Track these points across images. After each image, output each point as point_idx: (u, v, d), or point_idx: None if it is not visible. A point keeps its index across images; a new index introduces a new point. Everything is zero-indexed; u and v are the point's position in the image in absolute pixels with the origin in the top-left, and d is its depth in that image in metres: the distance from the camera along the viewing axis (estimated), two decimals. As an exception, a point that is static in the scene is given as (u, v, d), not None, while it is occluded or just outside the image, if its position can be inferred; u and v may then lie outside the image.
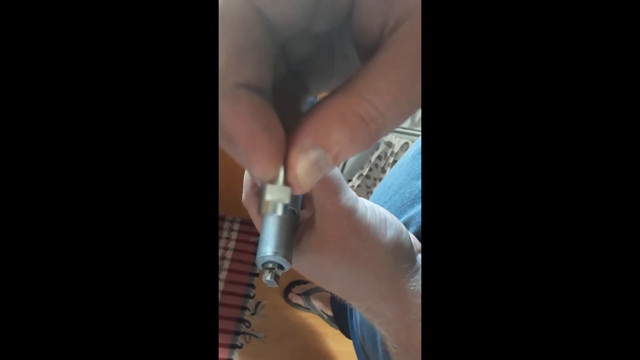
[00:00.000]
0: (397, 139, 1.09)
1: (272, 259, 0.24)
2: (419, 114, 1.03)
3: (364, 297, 0.26)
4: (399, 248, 0.25)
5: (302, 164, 0.13)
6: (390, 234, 0.25)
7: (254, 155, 0.13)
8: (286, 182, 0.14)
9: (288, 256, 0.24)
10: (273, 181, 0.14)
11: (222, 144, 0.15)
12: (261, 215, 0.14)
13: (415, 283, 0.25)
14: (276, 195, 0.14)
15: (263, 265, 0.24)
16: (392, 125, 0.13)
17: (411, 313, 0.24)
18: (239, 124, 0.13)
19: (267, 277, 0.24)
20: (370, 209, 0.25)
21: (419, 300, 0.24)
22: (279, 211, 0.14)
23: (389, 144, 1.10)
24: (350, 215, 0.23)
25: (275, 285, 0.25)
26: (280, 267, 0.24)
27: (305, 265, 0.26)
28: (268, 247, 0.24)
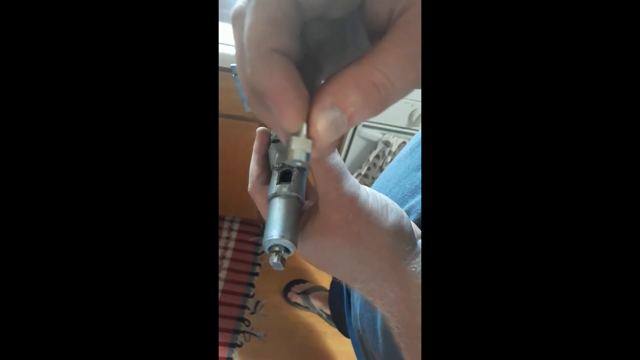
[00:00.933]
0: (395, 138, 1.10)
1: (278, 242, 0.25)
2: (416, 114, 1.04)
3: (367, 279, 0.27)
4: (400, 232, 0.26)
5: (323, 121, 0.15)
6: (391, 218, 0.26)
7: (284, 108, 0.15)
8: (308, 137, 0.16)
9: (294, 239, 0.25)
10: (297, 134, 0.16)
11: (250, 100, 0.17)
12: (288, 161, 0.17)
13: (417, 265, 0.26)
14: (300, 145, 0.16)
15: (270, 248, 0.25)
16: (399, 93, 0.16)
17: (413, 293, 0.25)
18: (272, 81, 0.15)
19: (274, 259, 0.25)
20: (372, 195, 0.26)
21: (420, 281, 0.25)
22: (303, 158, 0.16)
23: (387, 143, 1.11)
24: (352, 201, 0.25)
25: (282, 268, 0.25)
26: (287, 250, 0.25)
27: (310, 250, 0.27)
28: (274, 231, 0.25)
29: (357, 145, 1.19)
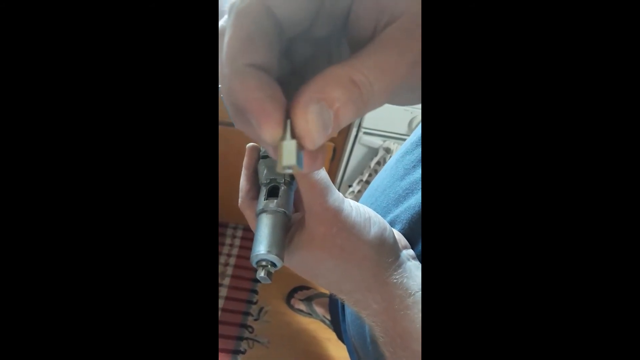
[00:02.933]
0: (395, 145, 1.10)
1: (265, 257, 0.26)
2: (415, 121, 1.05)
3: (351, 290, 0.28)
4: (383, 244, 0.27)
5: (310, 115, 0.16)
6: (374, 231, 0.26)
7: (262, 120, 0.16)
8: (295, 135, 0.16)
9: (280, 254, 0.26)
10: (282, 139, 0.16)
11: (234, 117, 0.18)
12: (279, 170, 0.16)
13: (398, 276, 0.26)
14: (288, 148, 0.16)
15: (257, 263, 0.26)
16: (377, 96, 0.16)
17: (395, 304, 0.26)
18: (249, 95, 0.16)
19: (261, 273, 0.26)
20: (356, 208, 0.27)
21: (402, 292, 0.26)
22: (293, 161, 0.16)
23: (388, 150, 1.11)
24: (336, 215, 0.25)
25: (269, 282, 0.26)
26: (273, 264, 0.26)
27: (296, 262, 0.28)
28: (262, 246, 0.26)
29: (358, 152, 1.20)
